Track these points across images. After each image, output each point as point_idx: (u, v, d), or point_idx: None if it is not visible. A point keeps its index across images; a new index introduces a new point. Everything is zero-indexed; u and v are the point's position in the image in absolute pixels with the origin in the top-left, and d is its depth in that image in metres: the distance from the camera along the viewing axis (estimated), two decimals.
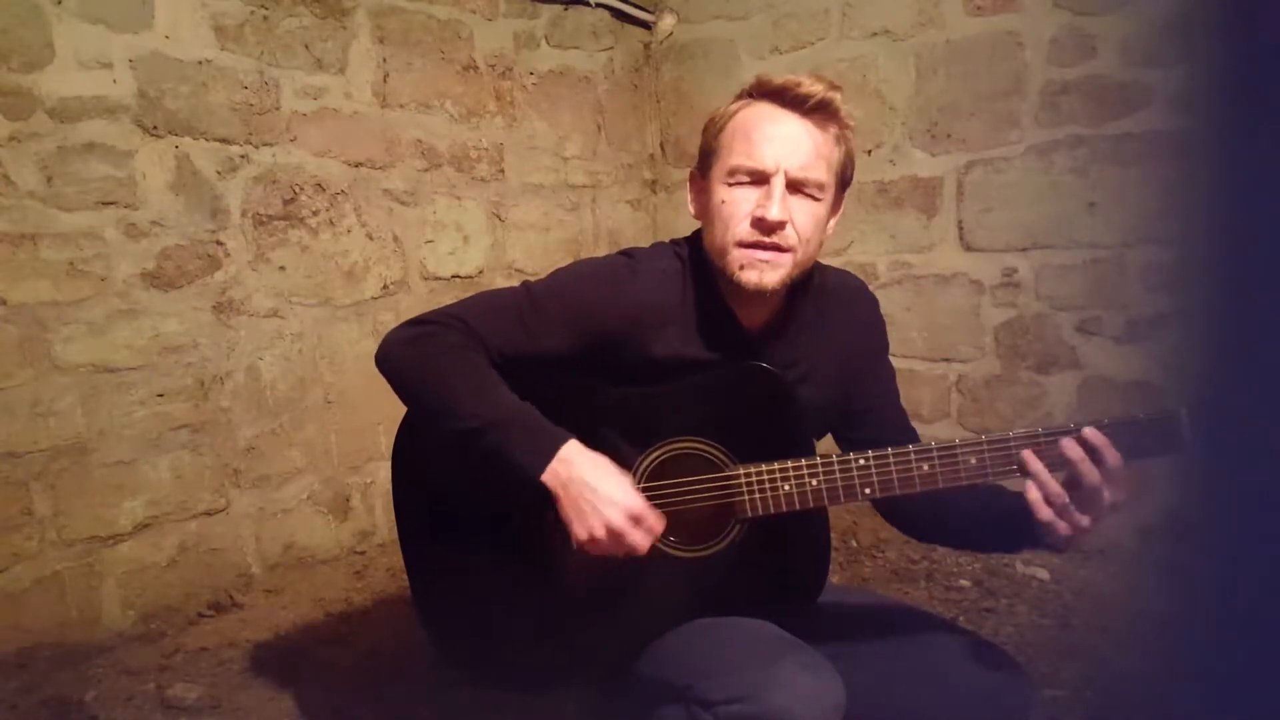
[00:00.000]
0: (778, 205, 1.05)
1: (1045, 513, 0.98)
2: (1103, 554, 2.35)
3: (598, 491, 1.04)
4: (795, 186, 1.07)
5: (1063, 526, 0.98)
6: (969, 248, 2.60)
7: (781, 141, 1.07)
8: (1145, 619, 1.92)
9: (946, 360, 2.68)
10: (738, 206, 1.08)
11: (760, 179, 1.07)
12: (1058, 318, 2.45)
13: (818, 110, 1.08)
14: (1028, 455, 1.00)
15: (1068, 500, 0.98)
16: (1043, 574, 2.24)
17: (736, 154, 1.09)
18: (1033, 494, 0.99)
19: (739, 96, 1.14)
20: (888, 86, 2.70)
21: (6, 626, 1.82)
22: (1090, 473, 0.97)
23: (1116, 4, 2.27)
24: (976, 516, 1.13)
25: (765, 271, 1.08)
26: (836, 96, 1.08)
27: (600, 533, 1.04)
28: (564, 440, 1.07)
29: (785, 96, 1.08)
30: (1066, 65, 2.37)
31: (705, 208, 1.14)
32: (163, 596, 2.07)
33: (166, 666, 1.83)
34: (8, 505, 1.83)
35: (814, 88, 1.07)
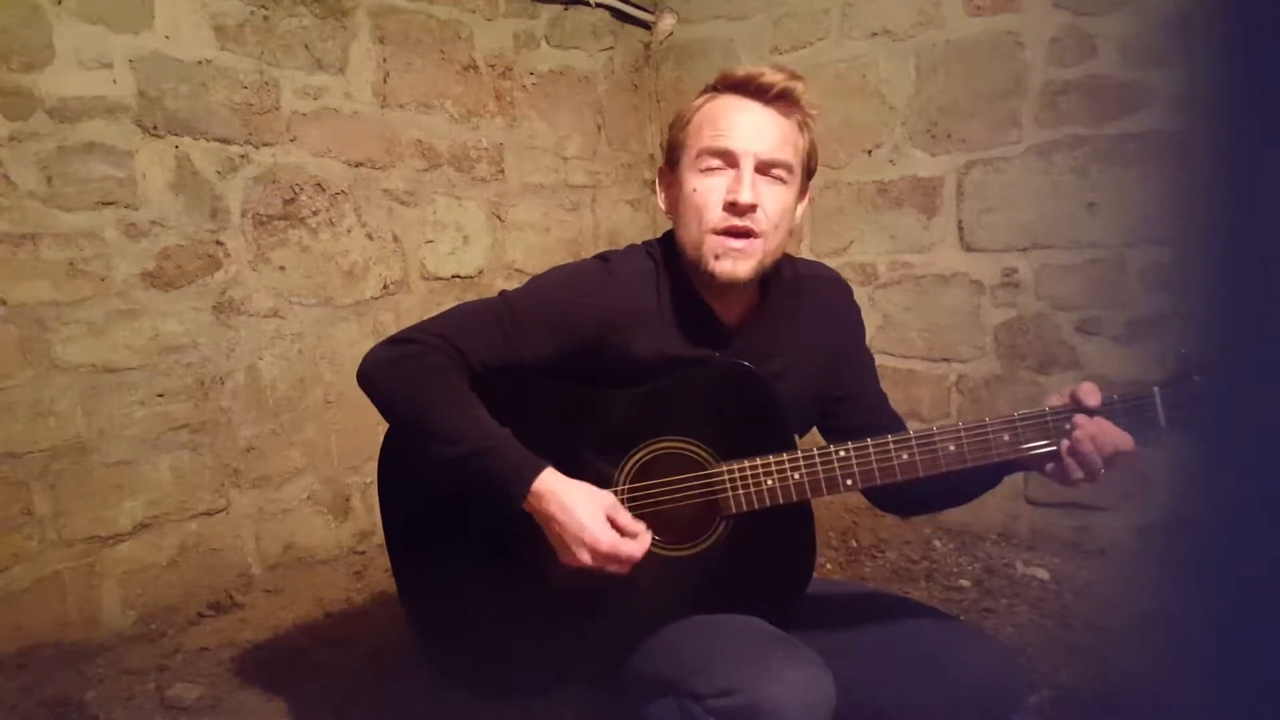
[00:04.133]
0: (748, 188, 1.08)
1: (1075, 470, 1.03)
2: (1103, 554, 2.35)
3: (567, 528, 1.05)
4: (763, 169, 1.10)
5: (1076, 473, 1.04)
6: (969, 248, 2.60)
7: (748, 126, 1.10)
8: (1145, 619, 1.92)
9: (946, 360, 2.67)
10: (709, 194, 1.10)
11: (730, 162, 1.09)
12: (1058, 318, 2.45)
13: (780, 99, 1.11)
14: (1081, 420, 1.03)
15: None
16: (1043, 574, 2.24)
17: (704, 139, 1.11)
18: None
19: (703, 92, 1.17)
20: (888, 86, 2.70)
21: (6, 626, 1.82)
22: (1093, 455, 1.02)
23: (1116, 4, 2.27)
24: (954, 479, 1.15)
25: (738, 261, 1.10)
26: (798, 86, 1.11)
27: (578, 564, 1.06)
28: (539, 470, 1.07)
29: (749, 87, 1.11)
30: (1066, 65, 2.37)
31: (677, 200, 1.16)
32: (163, 596, 2.07)
33: (166, 666, 1.83)
34: (8, 505, 1.83)
35: (775, 77, 1.10)
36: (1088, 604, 2.08)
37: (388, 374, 1.14)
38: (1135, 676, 1.66)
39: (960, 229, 2.61)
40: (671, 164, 1.18)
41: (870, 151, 2.74)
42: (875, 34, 2.70)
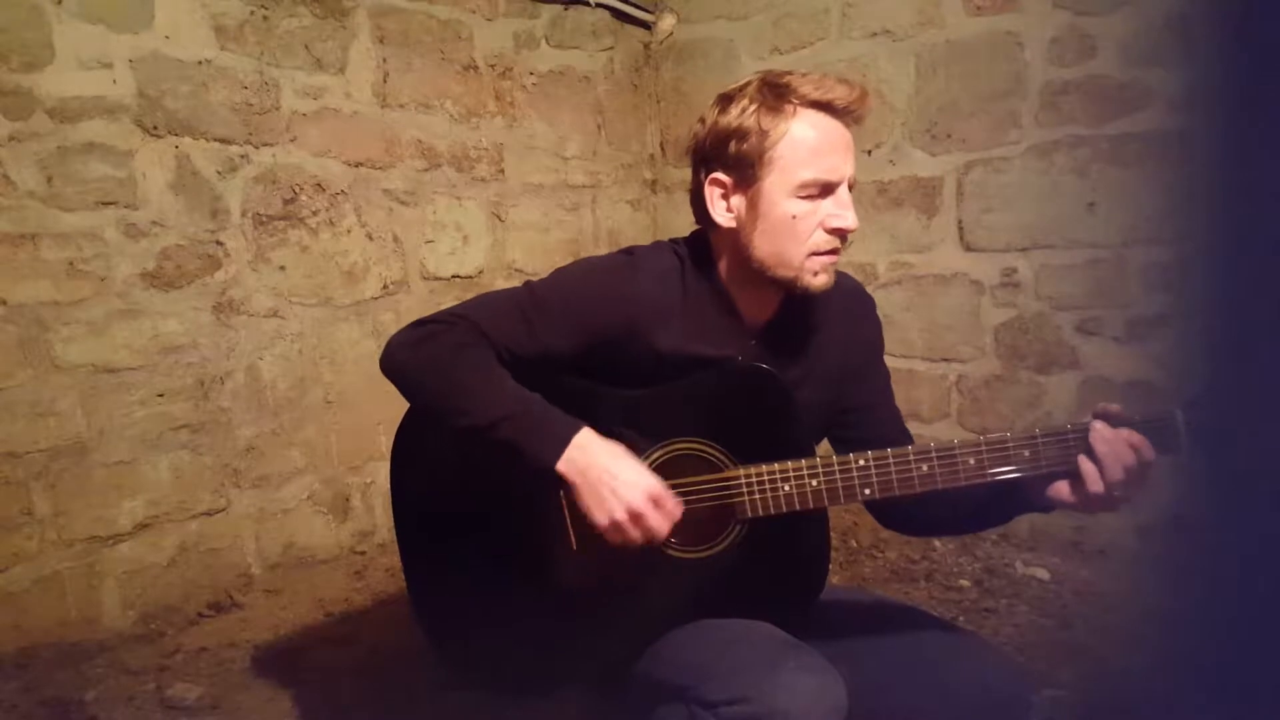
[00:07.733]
0: (853, 213, 1.11)
1: (1096, 487, 1.02)
2: (1103, 554, 2.35)
3: (616, 476, 1.05)
4: (850, 187, 1.13)
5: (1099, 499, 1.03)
6: (969, 248, 2.60)
7: (843, 152, 1.11)
8: (1145, 619, 1.92)
9: (946, 360, 2.68)
10: (810, 219, 1.10)
11: (828, 189, 1.10)
12: (1058, 318, 2.45)
13: (859, 119, 1.13)
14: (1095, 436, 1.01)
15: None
16: (1043, 574, 2.25)
17: (807, 168, 1.09)
18: (1087, 466, 1.02)
19: (773, 105, 1.10)
20: (888, 86, 2.70)
21: (6, 626, 1.83)
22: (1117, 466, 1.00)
23: (1116, 4, 2.27)
24: (966, 505, 1.14)
25: (832, 273, 1.13)
26: (869, 105, 1.13)
27: (621, 515, 1.05)
28: (578, 428, 1.07)
29: (835, 108, 1.10)
30: (1066, 65, 2.37)
31: (758, 218, 1.11)
32: (163, 596, 2.07)
33: (166, 666, 1.84)
34: (8, 505, 1.83)
35: (850, 97, 1.10)
36: (1088, 604, 2.08)
37: (411, 354, 1.14)
38: (1135, 676, 1.66)
39: (960, 229, 2.61)
40: (744, 179, 1.12)
41: (870, 151, 2.74)
42: (875, 34, 2.70)
